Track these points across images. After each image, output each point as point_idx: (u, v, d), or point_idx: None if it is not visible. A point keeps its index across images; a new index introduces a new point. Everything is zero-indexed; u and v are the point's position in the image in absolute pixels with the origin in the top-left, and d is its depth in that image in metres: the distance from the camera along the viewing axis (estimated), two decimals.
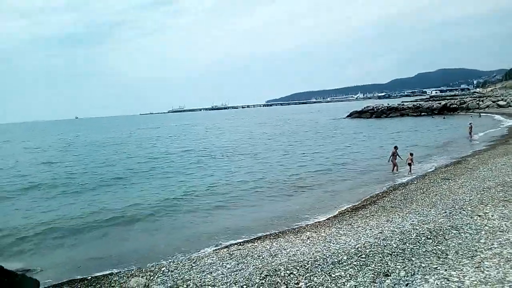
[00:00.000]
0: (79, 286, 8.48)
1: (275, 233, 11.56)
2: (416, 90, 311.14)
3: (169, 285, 7.44)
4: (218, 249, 10.22)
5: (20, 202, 18.31)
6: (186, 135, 62.25)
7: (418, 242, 7.85)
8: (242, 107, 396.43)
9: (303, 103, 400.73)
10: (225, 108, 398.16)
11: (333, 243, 8.82)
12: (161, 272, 8.47)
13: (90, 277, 8.93)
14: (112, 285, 8.18)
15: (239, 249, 9.61)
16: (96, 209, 15.80)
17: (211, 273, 7.77)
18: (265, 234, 11.57)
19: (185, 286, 7.20)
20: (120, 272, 9.00)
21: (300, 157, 28.86)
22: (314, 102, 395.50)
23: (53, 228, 13.36)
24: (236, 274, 7.44)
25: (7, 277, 7.46)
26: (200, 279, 7.43)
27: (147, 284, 7.58)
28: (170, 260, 9.52)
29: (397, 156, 20.51)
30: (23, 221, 14.33)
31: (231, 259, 8.66)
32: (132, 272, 8.81)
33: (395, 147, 20.80)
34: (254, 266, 7.74)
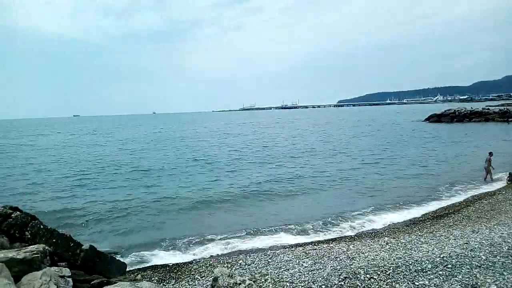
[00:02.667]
0: (161, 272, 9.09)
1: (351, 236, 11.50)
2: (503, 94, 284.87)
3: (247, 277, 7.75)
4: (294, 247, 10.39)
5: (119, 186, 19.81)
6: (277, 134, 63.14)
7: (511, 256, 7.43)
8: (313, 107, 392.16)
9: (376, 104, 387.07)
10: (294, 108, 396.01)
11: (415, 251, 8.62)
12: (238, 264, 8.84)
13: (171, 264, 9.55)
14: (192, 273, 8.72)
15: (315, 249, 9.73)
16: (177, 195, 16.97)
17: (288, 270, 7.97)
18: (340, 236, 11.56)
19: (263, 280, 7.46)
20: (199, 261, 9.51)
21: (386, 159, 27.82)
22: (389, 104, 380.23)
23: (134, 212, 14.52)
24: (314, 273, 7.56)
25: (99, 258, 8.27)
26: (278, 275, 7.66)
27: (230, 274, 7.94)
28: (246, 253, 9.86)
29: (491, 164, 19.11)
30: (110, 205, 15.70)
31: (307, 258, 8.80)
32: (210, 262, 9.27)
33: (490, 153, 19.42)
34: (332, 267, 7.82)
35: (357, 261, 8.18)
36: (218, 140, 48.29)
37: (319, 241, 11.05)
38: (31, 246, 7.16)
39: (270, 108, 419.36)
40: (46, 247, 7.27)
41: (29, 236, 8.26)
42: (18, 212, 9.00)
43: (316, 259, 8.64)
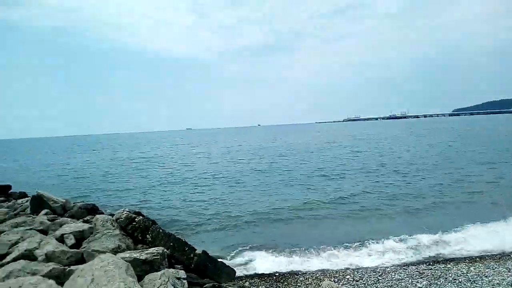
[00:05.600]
0: (268, 281, 9.32)
1: (472, 256, 10.51)
2: None
3: None
4: (406, 265, 9.86)
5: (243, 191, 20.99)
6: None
7: None
8: (424, 116, 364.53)
9: (497, 112, 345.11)
10: (404, 117, 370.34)
11: None
12: (346, 280, 8.68)
13: (277, 274, 9.74)
14: (299, 284, 8.80)
15: (430, 269, 9.12)
16: (290, 205, 17.23)
17: None
18: (458, 256, 10.64)
19: None
20: (305, 273, 9.56)
21: None
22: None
23: (246, 219, 15.16)
24: None
25: (210, 263, 8.82)
26: None
27: None
28: (353, 269, 9.63)
29: None
30: (236, 209, 16.69)
31: (421, 278, 8.32)
32: (317, 275, 9.25)
33: None
34: None
35: (479, 285, 7.48)
36: (347, 152, 47.49)
37: (434, 260, 10.30)
38: (152, 249, 7.94)
39: (377, 118, 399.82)
40: (165, 250, 8.00)
41: (150, 239, 9.16)
42: (140, 217, 10.05)
43: (431, 279, 8.11)
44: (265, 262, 10.73)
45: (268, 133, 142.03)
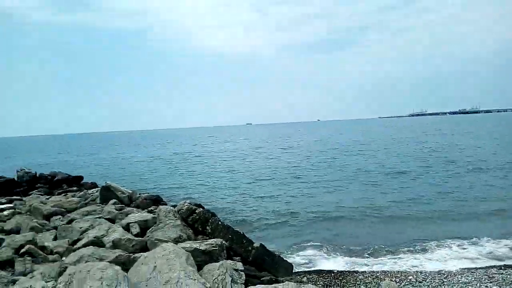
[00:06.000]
0: (326, 277, 9.18)
1: None
2: None
3: None
4: (474, 268, 9.26)
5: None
6: None
7: None
8: (498, 111, 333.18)
9: None
10: (475, 112, 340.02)
11: None
12: (407, 280, 8.35)
13: (336, 271, 9.57)
14: (358, 282, 8.58)
15: (501, 273, 8.51)
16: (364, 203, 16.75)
17: None
18: None
19: None
20: (365, 271, 9.31)
21: None
22: None
23: (308, 216, 15.04)
24: None
25: (268, 256, 8.85)
26: None
27: None
28: (417, 270, 9.22)
29: None
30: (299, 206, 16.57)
31: (491, 282, 7.79)
32: (377, 274, 8.96)
33: None
34: None
35: None
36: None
37: (506, 265, 9.57)
38: (211, 240, 8.12)
39: (444, 113, 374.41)
40: (223, 242, 8.14)
41: (209, 231, 9.37)
42: (201, 209, 10.30)
43: (502, 284, 7.55)
44: (324, 259, 10.60)
45: (329, 129, 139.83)
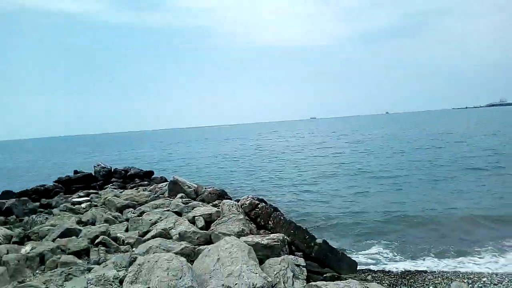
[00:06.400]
0: (392, 276, 8.89)
1: None
2: None
3: None
4: None
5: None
6: None
7: None
8: None
9: None
10: None
11: None
12: (481, 282, 7.85)
13: (403, 270, 9.22)
14: (426, 283, 8.23)
15: None
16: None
17: None
18: None
19: None
20: (435, 271, 8.88)
21: None
22: None
23: (376, 215, 14.51)
24: None
25: (331, 253, 8.73)
26: None
27: None
28: (492, 272, 8.62)
29: None
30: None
31: None
32: (448, 275, 8.51)
33: None
34: None
35: None
36: None
37: None
38: (273, 235, 8.17)
39: None
40: (285, 237, 8.16)
41: (271, 225, 9.44)
42: (263, 204, 10.40)
43: None
44: (389, 259, 10.24)
45: (398, 122, 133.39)
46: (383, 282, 8.52)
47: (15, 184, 24.95)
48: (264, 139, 77.45)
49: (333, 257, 8.62)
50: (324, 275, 7.51)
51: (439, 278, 8.32)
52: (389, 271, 9.32)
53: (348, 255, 9.26)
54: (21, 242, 8.66)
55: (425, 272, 8.98)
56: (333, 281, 6.45)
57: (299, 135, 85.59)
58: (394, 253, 10.66)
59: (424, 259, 10.01)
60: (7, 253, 7.16)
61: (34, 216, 11.11)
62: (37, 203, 14.31)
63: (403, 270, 9.28)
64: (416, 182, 20.56)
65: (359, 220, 14.01)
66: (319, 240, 8.77)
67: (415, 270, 9.17)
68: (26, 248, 7.53)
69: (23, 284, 5.65)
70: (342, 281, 6.24)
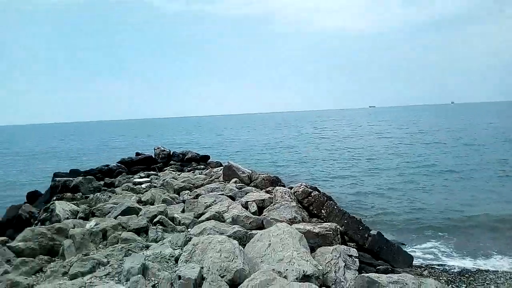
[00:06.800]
0: (450, 273, 8.56)
1: None
2: None
3: None
4: None
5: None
6: None
7: None
8: None
9: None
10: None
11: None
12: None
13: (462, 267, 8.83)
14: (487, 282, 7.82)
15: None
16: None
17: None
18: None
19: None
20: (497, 271, 8.40)
21: None
22: None
23: (433, 208, 13.96)
24: None
25: (385, 245, 8.53)
26: None
27: None
28: None
29: None
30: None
31: None
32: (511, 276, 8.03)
33: None
34: None
35: None
36: None
37: None
38: (325, 224, 8.11)
39: None
40: (338, 227, 8.07)
41: (324, 214, 9.37)
42: (316, 192, 10.33)
43: None
44: (447, 256, 9.84)
45: (464, 112, 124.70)
46: (440, 278, 8.20)
47: (83, 163, 26.57)
48: (321, 128, 76.52)
49: (388, 249, 8.41)
50: (377, 267, 7.35)
51: (502, 278, 7.88)
52: (447, 267, 8.96)
53: (403, 249, 9.01)
54: (86, 218, 9.26)
55: (487, 271, 8.53)
56: (387, 274, 6.29)
57: (357, 124, 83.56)
58: (453, 250, 10.21)
59: (486, 258, 9.49)
60: (74, 227, 7.69)
61: (98, 194, 11.82)
62: (101, 182, 15.17)
63: (463, 268, 8.88)
64: (484, 178, 19.30)
65: (417, 214, 13.50)
66: (373, 232, 8.58)
67: (476, 269, 8.73)
68: (91, 224, 8.03)
69: (87, 256, 6.04)
70: (396, 274, 6.08)
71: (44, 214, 9.16)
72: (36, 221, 9.40)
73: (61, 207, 9.34)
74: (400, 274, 6.10)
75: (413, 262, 8.85)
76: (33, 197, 15.24)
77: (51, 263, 6.35)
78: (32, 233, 7.09)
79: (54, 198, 12.00)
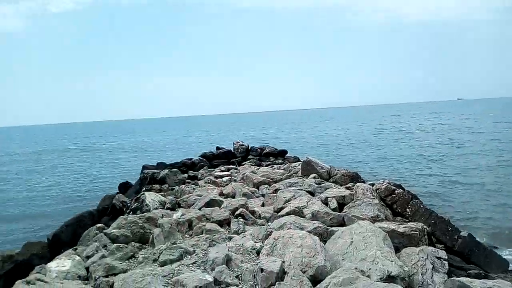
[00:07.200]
0: None
1: None
2: None
3: None
4: None
5: None
6: None
7: None
8: None
9: None
10: None
11: None
12: None
13: None
14: None
15: None
16: None
17: None
18: None
19: None
20: None
21: None
22: None
23: None
24: None
25: (477, 248, 7.93)
26: None
27: None
28: None
29: None
30: None
31: None
32: None
33: None
34: None
35: None
36: None
37: None
38: (411, 223, 7.74)
39: None
40: (425, 227, 7.66)
41: (409, 213, 8.95)
42: (401, 190, 9.89)
43: None
44: None
45: None
46: None
47: (165, 157, 28.16)
48: (404, 122, 73.10)
49: (480, 253, 7.83)
50: (468, 272, 6.87)
51: None
52: None
53: (497, 253, 8.33)
54: (173, 208, 9.77)
55: None
56: (479, 279, 5.85)
57: (445, 118, 78.36)
58: None
59: None
60: (162, 217, 8.16)
61: (183, 186, 12.43)
62: (186, 175, 15.92)
63: None
64: None
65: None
66: (463, 233, 8.03)
67: None
68: (177, 214, 8.47)
69: (175, 245, 6.36)
70: (490, 280, 5.62)
71: (135, 204, 9.83)
72: (128, 210, 10.11)
73: (151, 197, 9.95)
74: (495, 280, 5.63)
75: (509, 268, 8.15)
76: (124, 187, 16.47)
77: (142, 250, 6.79)
78: (125, 221, 7.65)
79: (144, 189, 12.81)
